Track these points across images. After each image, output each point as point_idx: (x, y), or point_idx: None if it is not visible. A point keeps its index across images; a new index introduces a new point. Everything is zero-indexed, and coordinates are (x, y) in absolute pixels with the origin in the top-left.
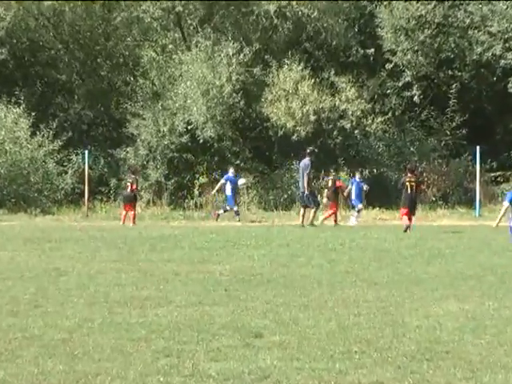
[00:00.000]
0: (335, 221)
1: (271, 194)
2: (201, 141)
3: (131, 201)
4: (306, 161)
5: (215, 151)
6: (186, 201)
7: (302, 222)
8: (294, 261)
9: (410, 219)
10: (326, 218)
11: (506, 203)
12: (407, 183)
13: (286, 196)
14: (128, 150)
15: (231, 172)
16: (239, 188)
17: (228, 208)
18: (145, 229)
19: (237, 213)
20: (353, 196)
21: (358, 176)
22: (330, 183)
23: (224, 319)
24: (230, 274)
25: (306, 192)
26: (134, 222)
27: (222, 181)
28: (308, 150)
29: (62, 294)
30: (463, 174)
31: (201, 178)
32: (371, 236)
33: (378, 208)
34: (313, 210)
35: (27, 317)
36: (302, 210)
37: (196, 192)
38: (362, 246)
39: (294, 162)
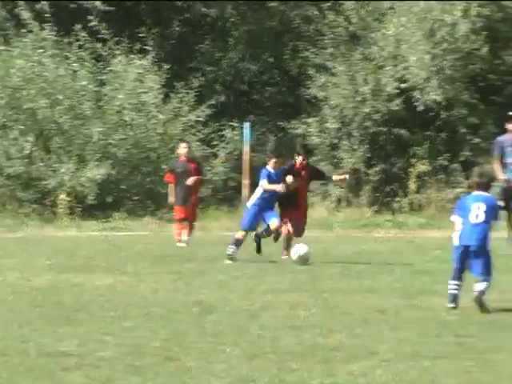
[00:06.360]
0: None
1: None
2: (420, 108)
3: None
4: None
5: (442, 124)
6: (397, 199)
7: None
8: None
9: None
10: None
11: None
12: None
13: None
14: (310, 121)
15: None
16: None
17: None
18: (334, 242)
19: None
20: None
21: None
22: None
23: (454, 380)
24: (462, 312)
25: None
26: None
27: None
28: None
29: (208, 340)
30: None
31: (419, 164)
32: None
33: None
34: None
35: (155, 375)
36: None
37: (412, 186)
38: None
39: None
